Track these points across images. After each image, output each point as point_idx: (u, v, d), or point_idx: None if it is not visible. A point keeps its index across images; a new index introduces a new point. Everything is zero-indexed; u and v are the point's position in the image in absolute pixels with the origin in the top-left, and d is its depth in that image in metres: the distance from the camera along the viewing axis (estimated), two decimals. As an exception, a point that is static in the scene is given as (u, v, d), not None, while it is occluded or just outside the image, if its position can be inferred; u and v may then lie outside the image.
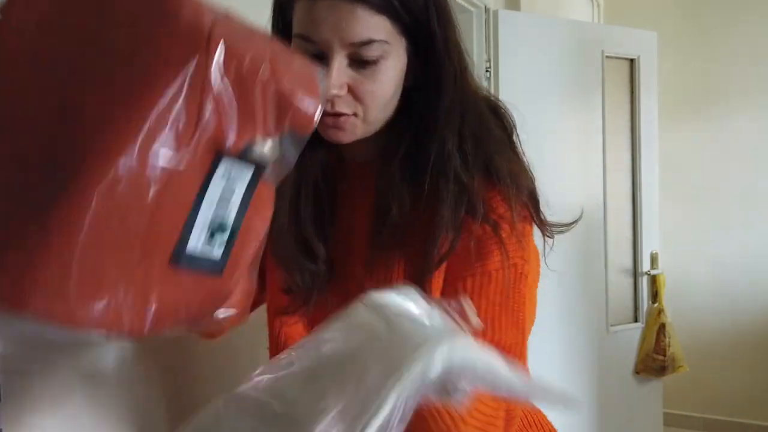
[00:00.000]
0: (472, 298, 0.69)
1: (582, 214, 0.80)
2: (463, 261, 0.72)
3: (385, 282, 0.72)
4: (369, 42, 0.65)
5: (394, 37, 0.68)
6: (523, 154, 0.79)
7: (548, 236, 0.79)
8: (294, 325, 0.79)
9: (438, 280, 0.73)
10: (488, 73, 2.23)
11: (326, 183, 0.77)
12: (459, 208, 0.71)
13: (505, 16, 2.25)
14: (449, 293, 0.73)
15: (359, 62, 0.67)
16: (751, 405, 3.31)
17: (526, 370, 0.75)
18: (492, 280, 0.73)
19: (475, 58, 2.22)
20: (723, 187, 3.36)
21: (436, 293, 0.73)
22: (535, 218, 0.76)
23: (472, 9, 2.21)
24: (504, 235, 0.72)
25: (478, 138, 0.73)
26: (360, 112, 0.69)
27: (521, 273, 0.75)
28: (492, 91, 2.25)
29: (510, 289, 0.73)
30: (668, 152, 3.19)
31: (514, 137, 0.79)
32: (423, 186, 0.71)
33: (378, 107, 0.70)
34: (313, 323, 0.77)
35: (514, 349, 0.74)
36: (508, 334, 0.73)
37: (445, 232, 0.71)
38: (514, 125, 0.80)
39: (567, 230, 0.80)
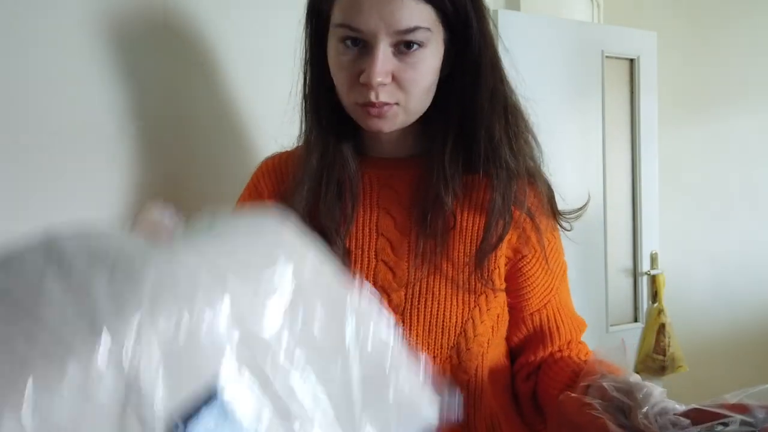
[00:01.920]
0: (562, 295, 0.83)
1: (589, 198, 0.84)
2: (538, 263, 0.80)
3: (429, 274, 0.74)
4: (414, 29, 0.67)
5: (435, 25, 0.69)
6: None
7: (566, 229, 0.83)
8: None
9: (499, 267, 0.78)
10: (488, 73, 2.23)
11: (353, 177, 0.78)
12: (509, 194, 0.74)
13: (505, 16, 2.25)
14: (542, 300, 0.83)
15: (402, 50, 0.68)
16: (751, 405, 3.31)
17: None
18: (564, 276, 0.84)
19: (475, 58, 2.23)
20: (723, 186, 3.36)
21: (499, 281, 0.78)
22: (555, 210, 0.82)
23: (472, 9, 2.21)
24: (556, 231, 0.82)
25: (519, 126, 0.76)
26: (402, 101, 0.71)
27: (566, 269, 0.87)
28: (492, 91, 2.25)
29: (566, 275, 0.86)
30: (668, 152, 3.18)
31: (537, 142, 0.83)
32: (476, 173, 0.75)
33: (420, 96, 0.72)
34: None
35: (579, 318, 0.89)
36: (573, 309, 0.88)
37: (499, 217, 0.74)
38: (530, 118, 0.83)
39: (580, 215, 0.84)
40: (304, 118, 0.79)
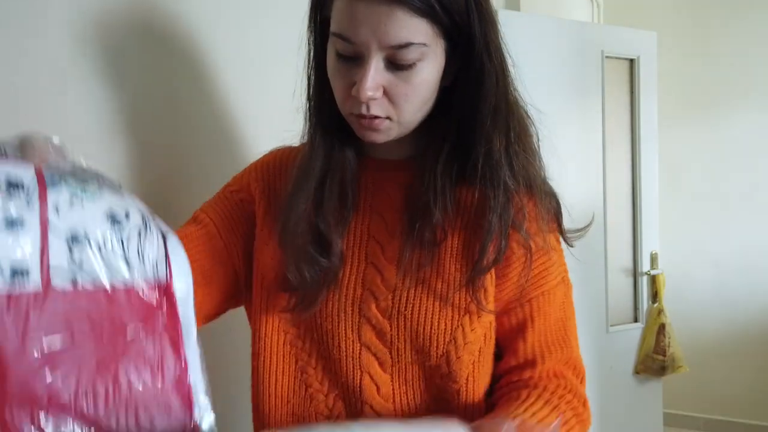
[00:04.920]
0: (534, 320, 0.76)
1: (594, 217, 0.82)
2: (517, 283, 0.75)
3: (417, 283, 0.72)
4: (407, 45, 0.64)
5: (432, 39, 0.66)
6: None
7: (570, 245, 0.80)
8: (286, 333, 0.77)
9: (490, 287, 0.74)
10: (488, 73, 2.23)
11: (353, 180, 0.77)
12: (506, 216, 0.72)
13: (505, 16, 2.25)
14: (511, 316, 0.77)
15: (396, 65, 0.66)
16: (751, 405, 3.30)
17: (583, 380, 0.80)
18: (552, 295, 0.77)
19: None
20: (723, 187, 3.36)
21: (490, 301, 0.74)
22: (560, 228, 0.79)
23: (472, 9, 2.21)
24: (552, 252, 0.76)
25: (523, 144, 0.74)
26: (394, 116, 0.69)
27: (568, 284, 0.80)
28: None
29: (566, 303, 0.78)
30: (668, 152, 3.19)
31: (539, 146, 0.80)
32: (472, 187, 0.72)
33: (412, 110, 0.70)
34: (308, 327, 0.75)
35: (579, 360, 0.79)
36: (573, 346, 0.78)
37: (495, 239, 0.72)
38: (538, 132, 0.80)
39: (583, 234, 0.81)
40: (308, 120, 0.79)
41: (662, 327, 2.64)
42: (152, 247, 0.52)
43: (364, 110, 0.67)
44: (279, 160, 0.84)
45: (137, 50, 0.90)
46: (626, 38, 2.61)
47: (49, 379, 0.45)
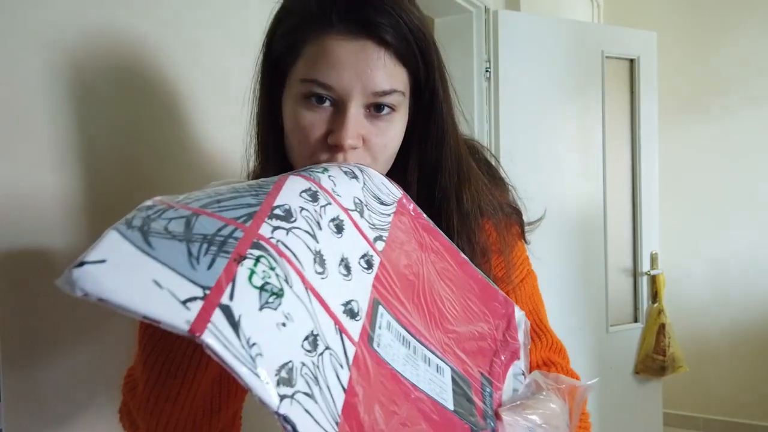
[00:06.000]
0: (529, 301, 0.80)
1: (545, 213, 0.84)
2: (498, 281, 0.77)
3: None
4: (391, 92, 0.63)
5: (406, 90, 0.66)
6: (502, 172, 0.82)
7: (526, 242, 0.81)
8: None
9: None
10: (488, 73, 2.23)
11: None
12: (472, 243, 0.73)
13: (505, 16, 2.25)
14: None
15: (373, 114, 0.64)
16: (751, 405, 3.31)
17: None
18: (522, 289, 0.79)
19: (475, 58, 2.23)
20: (723, 187, 3.36)
21: None
22: (522, 231, 0.80)
23: (472, 9, 2.21)
24: (509, 249, 0.77)
25: (474, 182, 0.74)
26: (370, 166, 0.66)
27: (533, 275, 0.82)
28: (492, 91, 2.25)
29: (533, 293, 0.81)
30: (668, 152, 3.19)
31: (493, 163, 0.81)
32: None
33: (386, 162, 0.68)
34: None
35: (559, 342, 0.83)
36: (551, 330, 0.82)
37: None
38: (491, 153, 0.82)
39: (534, 228, 0.83)
40: (256, 160, 0.75)
41: (662, 327, 2.64)
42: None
43: (340, 160, 0.63)
44: None
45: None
46: (626, 38, 2.62)
47: None
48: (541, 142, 2.35)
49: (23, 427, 0.75)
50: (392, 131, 0.66)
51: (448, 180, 0.72)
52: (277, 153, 0.70)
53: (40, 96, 0.77)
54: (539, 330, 0.80)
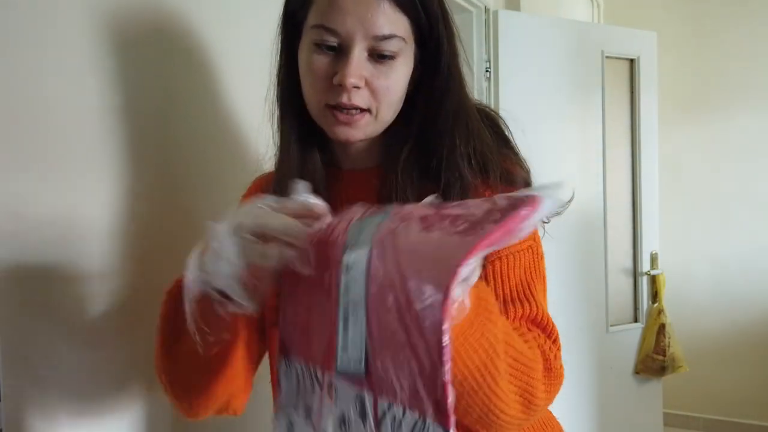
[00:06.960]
0: (502, 277, 0.74)
1: (573, 194, 0.82)
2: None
3: None
4: (391, 37, 0.68)
5: (409, 37, 0.70)
6: (518, 147, 0.82)
7: (545, 222, 0.79)
8: None
9: None
10: (488, 73, 2.23)
11: (326, 190, 0.76)
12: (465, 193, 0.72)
13: (505, 16, 2.25)
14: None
15: (377, 57, 0.69)
16: (751, 405, 3.31)
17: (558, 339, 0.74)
18: (517, 258, 0.75)
19: (475, 58, 2.23)
20: (723, 187, 3.36)
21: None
22: None
23: (472, 9, 2.21)
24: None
25: (479, 139, 0.75)
26: (374, 108, 0.71)
27: (538, 253, 0.79)
28: (492, 91, 2.25)
29: (532, 268, 0.78)
30: (668, 152, 3.19)
31: (507, 134, 0.82)
32: (432, 188, 0.71)
33: (391, 105, 0.72)
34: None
35: (548, 320, 0.75)
36: (540, 304, 0.75)
37: None
38: (506, 124, 0.83)
39: (562, 211, 0.81)
40: (277, 129, 0.78)
41: (662, 327, 2.64)
42: None
43: (345, 99, 0.68)
44: (261, 189, 0.84)
45: (138, 53, 0.91)
46: (626, 38, 2.62)
47: None
48: (540, 141, 2.35)
49: (23, 427, 0.75)
50: (395, 75, 0.70)
51: (446, 121, 0.73)
52: (293, 98, 0.75)
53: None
54: (522, 300, 0.73)
